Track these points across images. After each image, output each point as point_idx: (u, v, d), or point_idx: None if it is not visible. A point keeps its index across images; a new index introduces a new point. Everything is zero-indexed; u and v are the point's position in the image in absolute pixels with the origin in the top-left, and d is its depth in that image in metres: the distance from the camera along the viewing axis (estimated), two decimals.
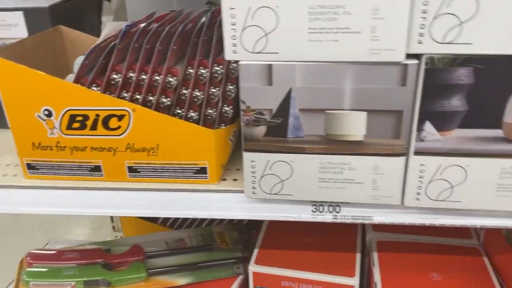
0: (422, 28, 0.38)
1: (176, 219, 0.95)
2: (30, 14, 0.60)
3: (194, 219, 0.95)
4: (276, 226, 0.76)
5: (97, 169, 0.52)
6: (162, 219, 0.96)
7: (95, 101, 0.48)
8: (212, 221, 0.94)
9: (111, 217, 1.17)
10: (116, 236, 1.13)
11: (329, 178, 0.46)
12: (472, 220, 0.46)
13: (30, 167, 0.53)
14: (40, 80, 0.48)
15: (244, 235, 0.82)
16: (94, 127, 0.49)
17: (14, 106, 0.49)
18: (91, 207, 0.52)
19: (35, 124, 0.50)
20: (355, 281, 0.60)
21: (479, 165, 0.42)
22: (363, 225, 0.74)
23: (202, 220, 0.95)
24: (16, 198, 0.53)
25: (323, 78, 0.41)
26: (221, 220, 0.94)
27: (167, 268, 0.72)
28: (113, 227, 1.17)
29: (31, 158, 0.52)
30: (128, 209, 0.52)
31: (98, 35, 0.75)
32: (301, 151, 0.45)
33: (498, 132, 0.41)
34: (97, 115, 0.48)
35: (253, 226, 0.85)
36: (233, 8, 0.40)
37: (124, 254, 0.72)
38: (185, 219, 0.95)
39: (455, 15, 0.37)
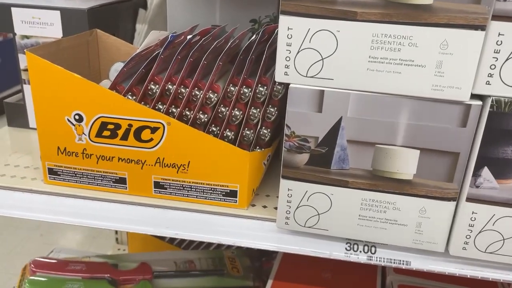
0: (492, 69, 0.36)
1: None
2: (68, 15, 0.59)
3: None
4: (292, 257, 0.72)
5: (121, 181, 0.49)
6: (170, 237, 0.92)
7: (130, 110, 0.45)
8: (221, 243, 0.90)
9: None
10: (119, 249, 1.09)
11: (370, 216, 0.43)
12: None
13: (51, 172, 0.50)
14: (75, 83, 0.45)
15: (256, 263, 0.79)
16: (125, 137, 0.47)
17: (45, 107, 0.47)
18: (111, 220, 0.49)
19: (64, 128, 0.47)
20: None
21: None
22: (384, 266, 0.71)
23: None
24: (32, 203, 0.50)
25: (377, 110, 0.39)
26: None
27: None
28: (116, 239, 1.13)
29: (54, 163, 0.49)
30: (149, 226, 0.49)
31: (131, 41, 0.73)
32: (344, 184, 0.42)
33: None
34: (130, 125, 0.46)
35: (264, 252, 0.82)
36: (291, 29, 0.38)
37: (132, 271, 0.69)
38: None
39: None
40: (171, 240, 0.92)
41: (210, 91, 0.46)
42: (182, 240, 0.92)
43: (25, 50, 0.46)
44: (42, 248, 1.26)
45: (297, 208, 0.44)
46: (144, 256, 0.76)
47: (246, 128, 0.47)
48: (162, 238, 0.93)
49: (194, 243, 0.92)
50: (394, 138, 0.40)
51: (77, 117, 0.47)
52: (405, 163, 0.40)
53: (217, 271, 0.74)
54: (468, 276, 0.44)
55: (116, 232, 1.13)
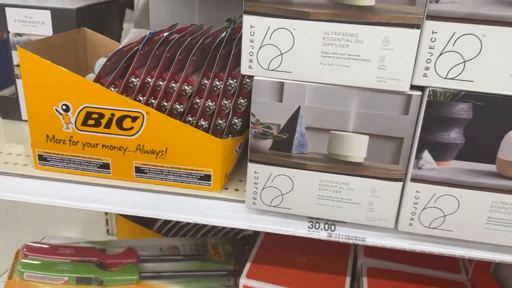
0: (428, 63, 0.41)
1: (172, 227, 0.96)
2: (57, 14, 0.63)
3: (190, 229, 0.96)
4: (271, 242, 0.77)
5: (105, 166, 0.54)
6: (157, 226, 0.97)
7: (112, 101, 0.50)
8: (207, 232, 0.95)
9: (106, 220, 1.18)
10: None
11: (328, 196, 0.48)
12: (461, 250, 0.48)
13: (41, 158, 0.55)
14: (62, 76, 0.50)
15: (237, 249, 0.83)
16: (108, 125, 0.51)
17: (34, 98, 0.51)
18: (96, 202, 0.54)
19: (52, 117, 0.52)
20: None
21: (472, 197, 0.44)
22: (355, 250, 0.75)
23: (197, 231, 0.96)
24: (24, 187, 0.55)
25: (331, 100, 0.44)
26: (216, 233, 0.95)
27: (159, 274, 0.73)
28: (107, 230, 1.18)
29: (44, 150, 0.54)
30: (131, 207, 0.53)
31: (118, 40, 0.78)
32: (303, 167, 0.47)
33: (491, 167, 0.43)
34: (112, 115, 0.51)
35: (247, 241, 0.86)
36: (253, 27, 0.43)
37: (119, 255, 0.74)
38: (180, 228, 0.96)
39: (460, 54, 0.40)
40: (159, 229, 0.97)
41: (185, 84, 0.51)
42: (169, 229, 0.96)
43: (16, 46, 0.50)
44: None
45: (263, 189, 0.49)
46: (131, 242, 0.80)
47: (219, 118, 0.52)
48: (150, 227, 0.97)
49: (181, 232, 0.97)
50: (346, 125, 0.44)
51: (64, 107, 0.51)
52: (356, 148, 0.45)
53: (199, 256, 0.78)
54: (417, 251, 0.49)
55: (107, 223, 1.18)
